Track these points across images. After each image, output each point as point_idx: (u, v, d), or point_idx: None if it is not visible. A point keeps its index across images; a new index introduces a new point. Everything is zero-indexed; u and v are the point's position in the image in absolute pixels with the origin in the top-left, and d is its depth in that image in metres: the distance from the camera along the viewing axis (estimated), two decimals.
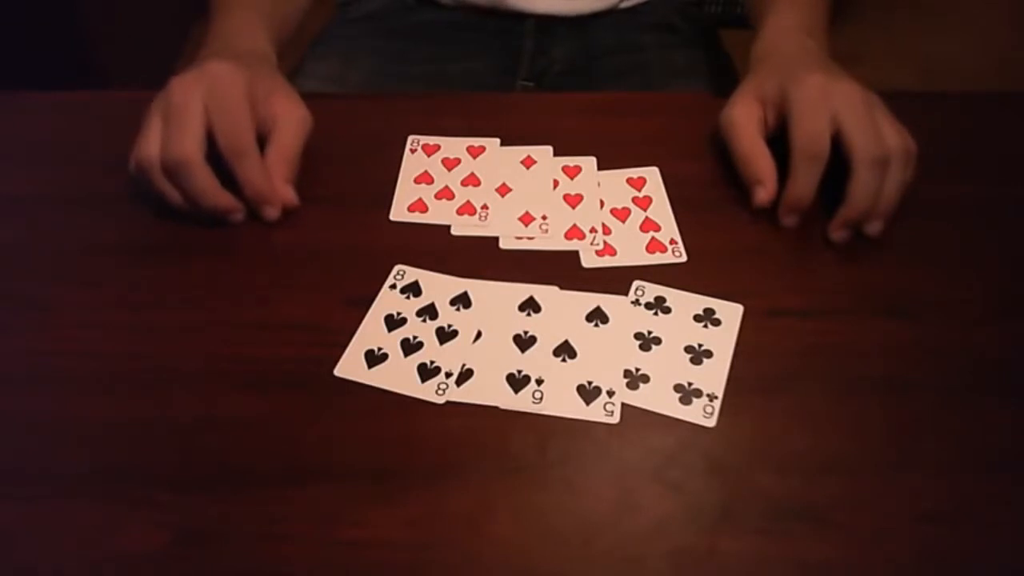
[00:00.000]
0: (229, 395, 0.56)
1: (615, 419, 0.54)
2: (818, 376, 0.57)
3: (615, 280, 0.61)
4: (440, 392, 0.55)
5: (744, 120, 0.66)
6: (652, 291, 0.61)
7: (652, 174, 0.68)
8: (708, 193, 0.67)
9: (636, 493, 0.51)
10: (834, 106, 0.62)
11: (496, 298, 0.60)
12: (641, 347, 0.58)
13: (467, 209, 0.66)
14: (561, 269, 0.62)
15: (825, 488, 0.51)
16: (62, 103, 0.77)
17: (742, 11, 0.85)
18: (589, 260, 0.63)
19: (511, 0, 0.93)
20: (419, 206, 0.66)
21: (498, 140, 0.71)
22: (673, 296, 0.60)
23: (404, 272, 0.62)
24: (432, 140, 0.70)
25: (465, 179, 0.67)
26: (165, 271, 0.63)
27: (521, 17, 0.94)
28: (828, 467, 0.53)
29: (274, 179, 0.65)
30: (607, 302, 0.60)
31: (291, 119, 0.67)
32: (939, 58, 1.12)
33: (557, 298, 0.60)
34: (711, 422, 0.54)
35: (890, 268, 0.63)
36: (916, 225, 0.65)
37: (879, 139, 0.61)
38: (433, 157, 0.69)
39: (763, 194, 0.64)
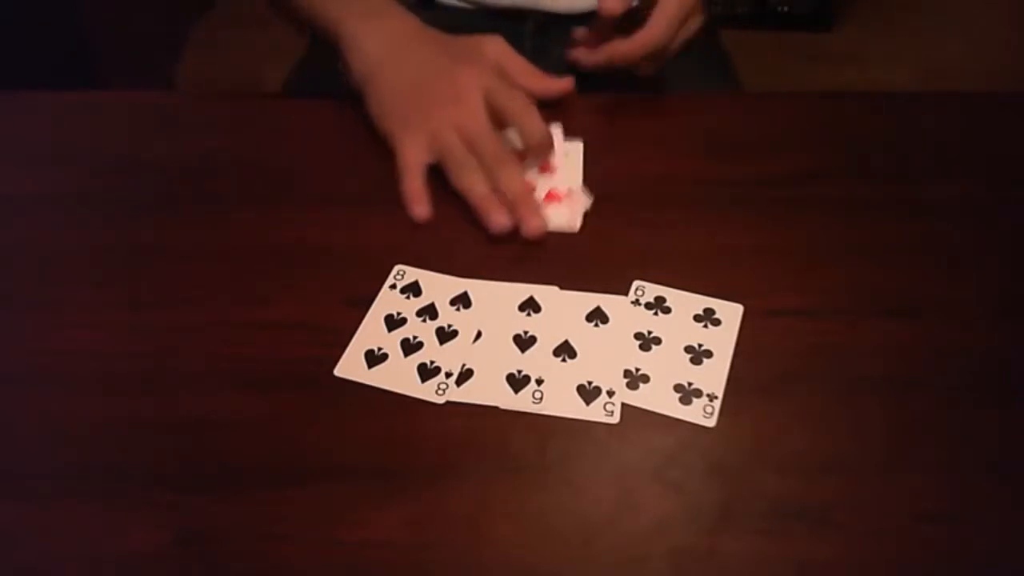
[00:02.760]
0: (229, 395, 0.56)
1: (615, 419, 0.54)
2: (818, 376, 0.57)
3: (615, 280, 0.61)
4: (440, 392, 0.55)
5: None
6: (652, 291, 0.61)
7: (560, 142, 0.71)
8: (707, 193, 0.67)
9: (636, 493, 0.51)
10: None
11: (496, 298, 0.60)
12: (641, 347, 0.58)
13: None
14: (561, 269, 0.62)
15: (825, 488, 0.51)
16: (62, 103, 0.77)
17: (742, 11, 0.85)
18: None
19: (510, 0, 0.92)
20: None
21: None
22: (673, 296, 0.60)
23: (404, 272, 0.62)
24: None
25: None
26: (165, 271, 0.63)
27: (521, 18, 0.94)
28: (828, 467, 0.53)
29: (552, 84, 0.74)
30: (607, 302, 0.60)
31: (500, 51, 0.72)
32: (939, 58, 1.12)
33: (557, 298, 0.60)
34: (711, 422, 0.54)
35: (890, 268, 0.63)
36: (916, 225, 0.65)
37: None
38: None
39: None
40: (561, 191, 0.66)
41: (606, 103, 0.77)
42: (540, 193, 0.66)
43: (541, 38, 0.94)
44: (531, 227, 0.63)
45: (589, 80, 0.93)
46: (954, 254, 0.64)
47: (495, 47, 0.72)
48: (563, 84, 0.74)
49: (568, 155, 0.69)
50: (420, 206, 0.66)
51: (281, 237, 0.65)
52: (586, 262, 0.63)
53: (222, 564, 0.49)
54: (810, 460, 0.53)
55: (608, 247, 0.64)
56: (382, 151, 0.71)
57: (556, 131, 0.70)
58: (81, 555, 0.49)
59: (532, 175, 0.67)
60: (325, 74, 0.94)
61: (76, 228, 0.66)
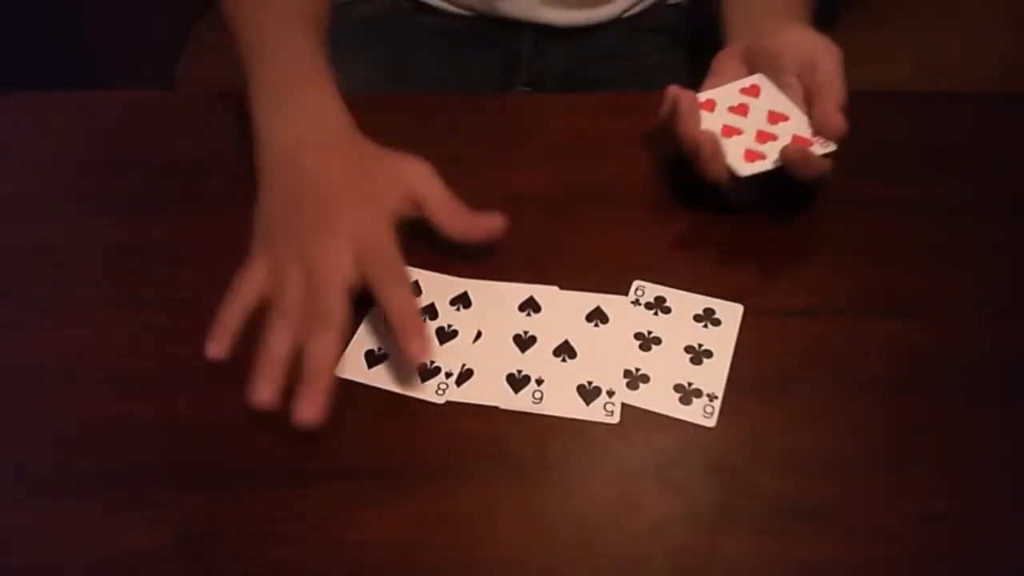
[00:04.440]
0: (229, 395, 0.56)
1: (615, 419, 0.54)
2: (818, 376, 0.57)
3: (615, 280, 0.61)
4: (440, 392, 0.55)
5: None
6: (652, 291, 0.61)
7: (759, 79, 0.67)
8: (708, 193, 0.67)
9: (636, 493, 0.51)
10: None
11: (496, 298, 0.60)
12: (641, 347, 0.58)
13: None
14: (561, 269, 0.62)
15: (825, 488, 0.51)
16: (62, 103, 0.77)
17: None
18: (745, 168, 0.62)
19: (510, 9, 0.92)
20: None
21: None
22: (673, 296, 0.60)
23: None
24: None
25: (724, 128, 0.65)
26: (165, 271, 0.63)
27: (519, 28, 0.94)
28: (828, 467, 0.53)
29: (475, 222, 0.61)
30: (607, 302, 0.60)
31: (422, 179, 0.62)
32: (939, 58, 1.12)
33: (557, 298, 0.60)
34: (711, 422, 0.54)
35: (890, 268, 0.63)
36: (916, 225, 0.65)
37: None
38: None
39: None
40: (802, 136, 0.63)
41: (605, 103, 0.77)
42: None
43: (538, 47, 0.94)
44: (301, 412, 0.53)
45: (587, 84, 0.94)
46: (954, 254, 0.64)
47: (417, 174, 0.62)
48: (490, 223, 0.61)
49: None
50: (214, 343, 0.57)
51: None
52: (586, 262, 0.63)
53: (222, 564, 0.49)
54: (810, 460, 0.53)
55: (608, 247, 0.64)
56: None
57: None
58: (81, 555, 0.49)
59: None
60: None
61: (76, 228, 0.66)
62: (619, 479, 0.52)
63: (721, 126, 0.64)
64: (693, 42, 0.99)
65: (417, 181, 0.62)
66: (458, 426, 0.54)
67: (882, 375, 0.57)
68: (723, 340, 0.58)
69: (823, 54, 0.65)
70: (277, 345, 0.55)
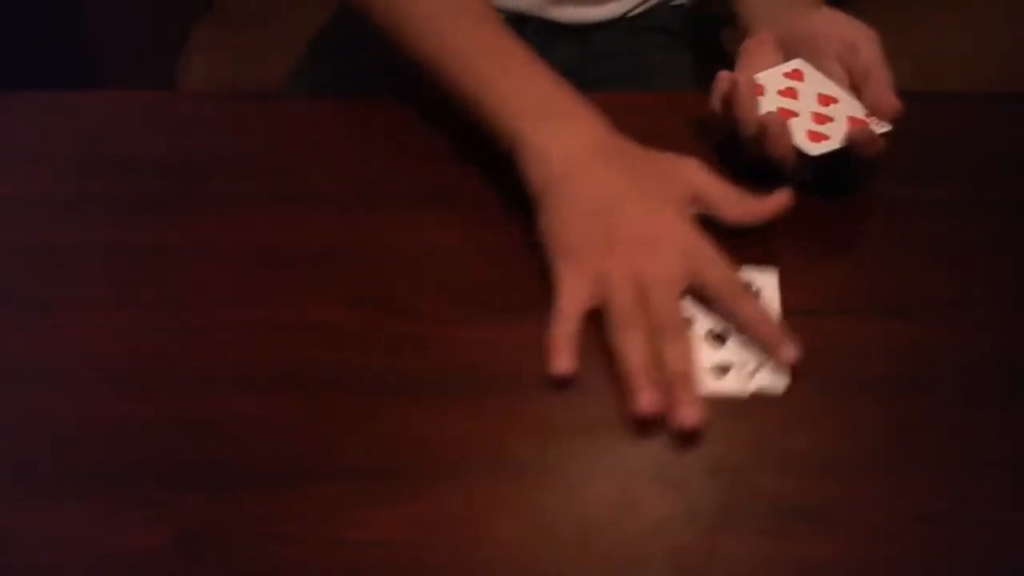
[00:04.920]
0: (229, 395, 0.56)
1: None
2: (818, 376, 0.56)
3: None
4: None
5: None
6: None
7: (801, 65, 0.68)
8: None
9: (636, 493, 0.51)
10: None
11: None
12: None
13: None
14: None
15: (825, 488, 0.51)
16: (62, 103, 0.77)
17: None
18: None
19: (518, 4, 0.92)
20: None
21: None
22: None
23: None
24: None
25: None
26: (165, 271, 0.63)
27: (523, 22, 0.94)
28: (828, 467, 0.53)
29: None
30: None
31: (699, 175, 0.62)
32: (939, 58, 1.12)
33: None
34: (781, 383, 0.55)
35: (890, 268, 0.63)
36: (916, 225, 0.65)
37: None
38: None
39: None
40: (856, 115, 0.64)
41: (604, 102, 0.77)
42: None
43: (541, 42, 0.94)
44: (685, 416, 0.53)
45: (590, 83, 0.93)
46: (954, 254, 0.64)
47: (693, 171, 0.62)
48: (776, 201, 0.61)
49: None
50: (563, 359, 0.55)
51: (281, 237, 0.65)
52: None
53: (222, 564, 0.49)
54: (810, 460, 0.53)
55: None
56: (382, 151, 0.71)
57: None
58: (81, 555, 0.49)
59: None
60: (325, 74, 0.95)
61: (76, 228, 0.66)
62: (619, 479, 0.52)
63: (777, 108, 0.65)
64: (696, 43, 0.99)
65: (695, 178, 0.62)
66: (458, 426, 0.54)
67: (882, 375, 0.57)
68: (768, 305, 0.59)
69: (862, 36, 0.66)
70: (636, 355, 0.55)
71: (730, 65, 0.97)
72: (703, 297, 0.58)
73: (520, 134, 0.62)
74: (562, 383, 0.55)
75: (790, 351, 0.55)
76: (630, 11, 0.95)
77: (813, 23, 0.68)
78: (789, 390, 0.56)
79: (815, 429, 0.54)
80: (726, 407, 0.55)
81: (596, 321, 0.58)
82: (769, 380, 0.56)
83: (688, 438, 0.53)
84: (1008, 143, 0.72)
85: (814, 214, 0.65)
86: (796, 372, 0.56)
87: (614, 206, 0.60)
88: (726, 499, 0.51)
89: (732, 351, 0.57)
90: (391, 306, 0.60)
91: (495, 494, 0.51)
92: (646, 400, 0.53)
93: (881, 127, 0.64)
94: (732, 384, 0.55)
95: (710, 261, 0.58)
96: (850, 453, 0.53)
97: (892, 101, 0.63)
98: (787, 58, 0.68)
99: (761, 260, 0.63)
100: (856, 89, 0.66)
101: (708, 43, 1.01)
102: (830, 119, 0.64)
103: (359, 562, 0.49)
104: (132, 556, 0.49)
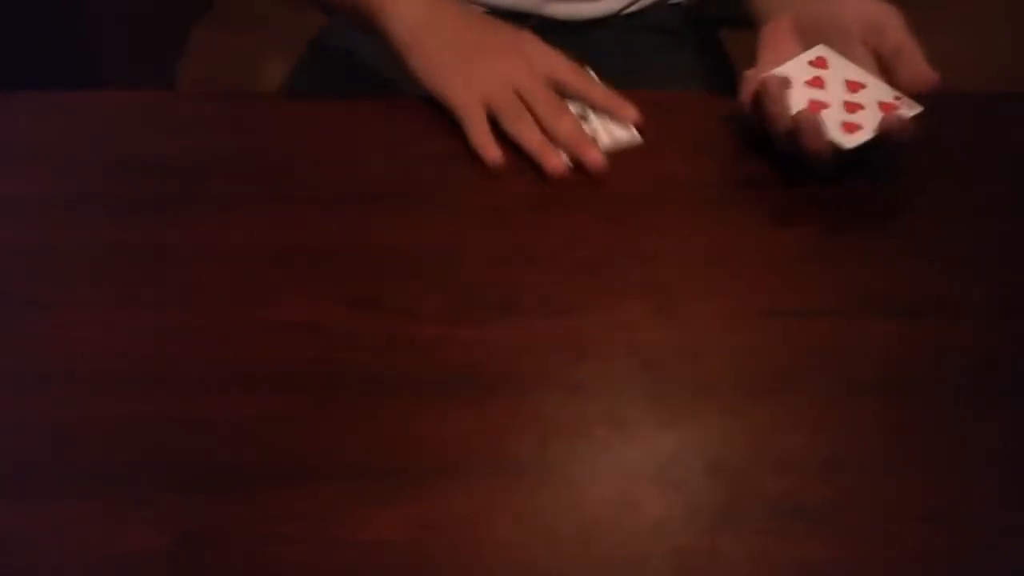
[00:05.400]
0: (229, 395, 0.56)
1: None
2: (818, 376, 0.57)
3: (614, 280, 0.61)
4: None
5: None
6: None
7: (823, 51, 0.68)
8: (707, 193, 0.68)
9: (636, 493, 0.51)
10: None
11: None
12: None
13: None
14: (551, 273, 0.62)
15: (825, 488, 0.51)
16: (62, 103, 0.77)
17: (740, 10, 0.85)
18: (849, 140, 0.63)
19: (517, 2, 0.92)
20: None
21: None
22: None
23: None
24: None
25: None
26: (165, 271, 0.63)
27: (522, 19, 0.94)
28: (828, 467, 0.53)
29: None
30: None
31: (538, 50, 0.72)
32: (939, 58, 1.12)
33: None
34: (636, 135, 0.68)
35: (890, 268, 0.63)
36: (916, 225, 0.65)
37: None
38: None
39: None
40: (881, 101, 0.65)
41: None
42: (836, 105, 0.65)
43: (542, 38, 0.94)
44: (590, 159, 0.66)
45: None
46: (954, 254, 0.64)
47: (533, 44, 0.72)
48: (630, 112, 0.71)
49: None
50: (492, 149, 0.67)
51: (281, 237, 0.65)
52: (585, 263, 0.63)
53: (222, 564, 0.49)
54: (810, 460, 0.53)
55: (606, 247, 0.64)
56: (382, 151, 0.71)
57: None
58: (81, 555, 0.49)
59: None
60: (325, 74, 0.95)
61: (76, 228, 0.66)
62: (619, 479, 0.52)
63: (808, 101, 0.64)
64: (694, 42, 0.99)
65: (534, 52, 0.72)
66: (458, 426, 0.54)
67: (882, 375, 0.57)
68: None
69: (886, 16, 0.66)
70: (531, 134, 0.68)
71: (729, 64, 0.97)
72: (559, 88, 0.70)
73: (370, 6, 0.73)
74: (496, 166, 0.67)
75: (631, 110, 0.69)
76: (625, 7, 0.95)
77: (833, 7, 0.68)
78: (789, 390, 0.56)
79: (815, 429, 0.54)
80: (726, 407, 0.55)
81: (596, 317, 0.58)
82: (626, 135, 0.69)
83: (688, 438, 0.54)
84: (1008, 143, 0.72)
85: (813, 214, 0.65)
86: (796, 372, 0.57)
87: (472, 31, 0.73)
88: (726, 499, 0.51)
89: (595, 122, 0.70)
90: (391, 306, 0.60)
91: (495, 494, 0.51)
92: (552, 162, 0.67)
93: (912, 110, 0.64)
94: (602, 143, 0.68)
95: (559, 60, 0.71)
96: (850, 453, 0.53)
97: (928, 74, 0.64)
98: (807, 45, 0.68)
99: (761, 260, 0.63)
100: (888, 69, 0.66)
101: (707, 43, 1.01)
102: (861, 107, 0.64)
103: (359, 562, 0.49)
104: (132, 556, 0.49)
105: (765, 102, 0.65)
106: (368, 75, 0.92)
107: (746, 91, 0.67)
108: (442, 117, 0.73)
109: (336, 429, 0.54)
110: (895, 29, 0.66)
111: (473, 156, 0.69)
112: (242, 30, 1.26)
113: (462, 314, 0.60)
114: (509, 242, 0.64)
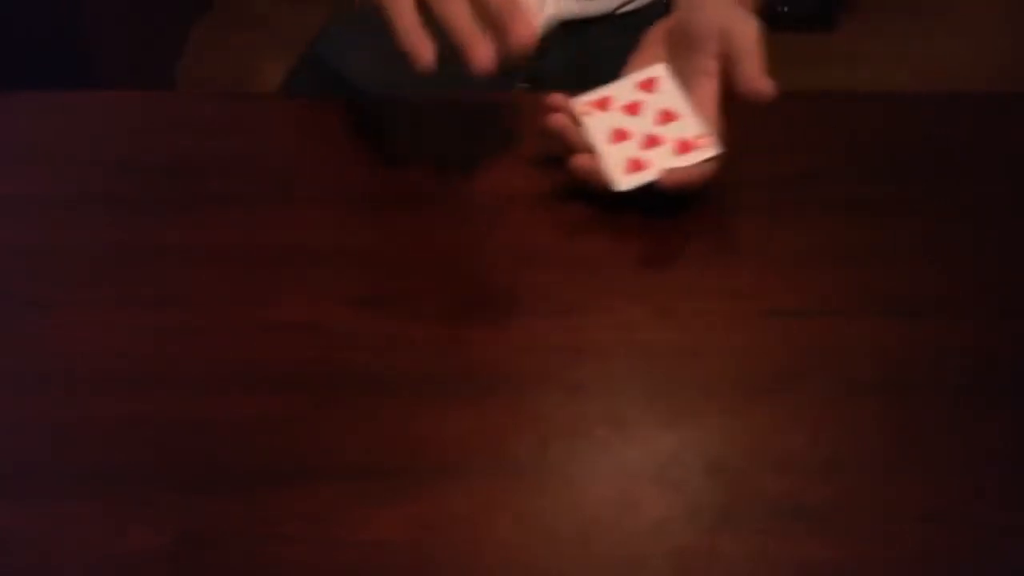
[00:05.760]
0: (229, 395, 0.56)
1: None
2: (818, 376, 0.57)
3: (614, 279, 0.61)
4: None
5: None
6: None
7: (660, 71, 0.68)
8: (706, 192, 0.67)
9: (636, 493, 0.51)
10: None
11: None
12: None
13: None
14: (555, 270, 0.62)
15: (825, 488, 0.51)
16: (62, 103, 0.77)
17: None
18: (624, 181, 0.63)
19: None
20: None
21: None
22: None
23: None
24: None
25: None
26: (165, 271, 0.63)
27: None
28: (828, 467, 0.53)
29: None
30: None
31: None
32: (939, 58, 1.12)
33: None
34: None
35: (890, 268, 0.63)
36: (916, 225, 0.65)
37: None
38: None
39: None
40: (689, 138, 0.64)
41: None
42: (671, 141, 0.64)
43: (539, 40, 0.94)
44: (518, 35, 0.58)
45: (587, 82, 0.93)
46: (954, 254, 0.64)
47: None
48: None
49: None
50: (423, 46, 0.60)
51: (281, 237, 0.65)
52: (585, 263, 0.63)
53: (222, 564, 0.49)
54: (810, 460, 0.53)
55: (605, 247, 0.64)
56: (381, 151, 0.71)
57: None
58: (81, 556, 0.49)
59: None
60: (325, 74, 0.95)
61: (76, 228, 0.66)
62: (619, 479, 0.52)
63: (611, 130, 0.65)
64: None
65: None
66: (458, 426, 0.54)
67: (882, 375, 0.57)
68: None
69: (738, 23, 0.65)
70: (458, 17, 0.59)
71: None
72: None
73: None
74: (426, 68, 0.60)
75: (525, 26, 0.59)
76: (621, 6, 0.95)
77: (697, 13, 0.67)
78: (789, 390, 0.56)
79: (815, 429, 0.54)
80: (726, 407, 0.55)
81: (596, 317, 0.58)
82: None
83: (688, 438, 0.54)
84: (1008, 143, 0.72)
85: (813, 214, 0.65)
86: (796, 372, 0.57)
87: None
88: (726, 499, 0.51)
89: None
90: (391, 306, 0.60)
91: (495, 494, 0.51)
92: (478, 54, 0.58)
93: (707, 152, 0.63)
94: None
95: None
96: (850, 453, 0.53)
97: (762, 83, 0.62)
98: (675, 53, 0.68)
99: (761, 260, 0.63)
100: (729, 75, 0.65)
101: None
102: (660, 142, 0.64)
103: (359, 562, 0.49)
104: (132, 556, 0.49)
105: (562, 132, 0.66)
106: (367, 75, 0.92)
107: (548, 118, 0.67)
108: (442, 118, 0.73)
109: (336, 429, 0.54)
110: (742, 36, 0.64)
111: (473, 156, 0.69)
112: (242, 30, 1.26)
113: (462, 314, 0.60)
114: (509, 242, 0.64)
